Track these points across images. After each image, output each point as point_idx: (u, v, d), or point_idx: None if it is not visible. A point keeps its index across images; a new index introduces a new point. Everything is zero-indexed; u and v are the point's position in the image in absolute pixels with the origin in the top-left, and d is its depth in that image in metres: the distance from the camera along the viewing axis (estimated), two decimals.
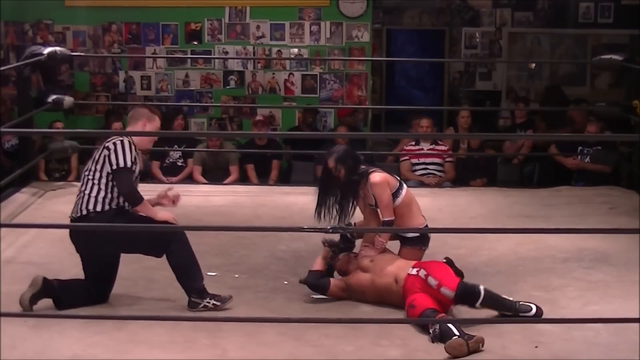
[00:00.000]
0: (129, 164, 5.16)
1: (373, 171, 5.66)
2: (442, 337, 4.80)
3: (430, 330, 4.87)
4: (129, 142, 5.22)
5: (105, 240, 5.18)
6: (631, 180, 8.80)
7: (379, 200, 5.61)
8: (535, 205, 7.87)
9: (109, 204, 5.20)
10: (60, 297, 5.23)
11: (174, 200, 5.51)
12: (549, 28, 12.33)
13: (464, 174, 9.39)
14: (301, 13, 11.02)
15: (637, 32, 10.97)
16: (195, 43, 11.10)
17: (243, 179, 9.68)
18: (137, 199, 5.21)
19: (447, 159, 9.30)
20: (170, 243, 5.16)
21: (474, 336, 4.71)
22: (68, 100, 8.39)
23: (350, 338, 4.87)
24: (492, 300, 5.09)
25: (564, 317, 5.16)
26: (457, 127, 10.08)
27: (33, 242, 6.48)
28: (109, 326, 4.92)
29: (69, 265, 5.83)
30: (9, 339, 4.59)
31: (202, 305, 5.21)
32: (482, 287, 5.09)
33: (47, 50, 8.10)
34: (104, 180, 5.20)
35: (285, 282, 5.90)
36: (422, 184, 9.01)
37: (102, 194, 5.19)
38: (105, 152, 5.20)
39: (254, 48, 11.07)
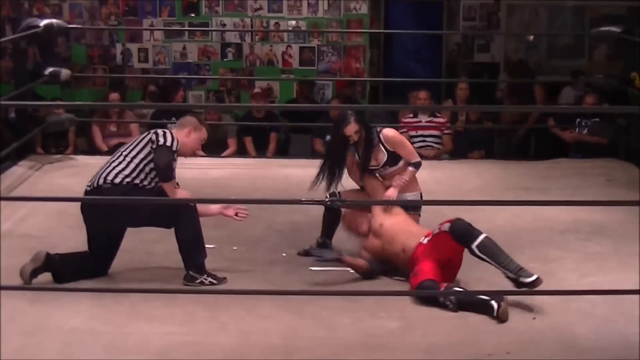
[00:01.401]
0: (174, 146, 5.28)
1: (382, 127, 5.77)
2: (463, 305, 4.85)
3: (448, 303, 4.88)
4: (177, 137, 5.34)
5: (116, 213, 5.22)
6: (629, 153, 8.80)
7: (402, 146, 5.73)
8: (532, 178, 7.88)
9: (127, 179, 5.23)
10: (60, 271, 5.25)
11: (237, 214, 5.55)
12: (547, 0, 12.28)
13: (462, 146, 9.39)
14: None
15: (635, 4, 10.93)
16: (193, 15, 11.05)
17: (241, 152, 9.67)
18: (170, 175, 5.28)
19: (445, 132, 9.30)
20: (181, 215, 5.21)
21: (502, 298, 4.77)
22: (65, 73, 8.36)
23: (349, 310, 4.89)
24: (492, 249, 5.02)
25: (561, 289, 5.18)
26: (455, 100, 10.07)
27: (31, 215, 6.49)
28: (107, 299, 4.94)
29: (66, 238, 5.85)
30: (7, 312, 4.60)
31: (198, 280, 5.24)
32: (484, 234, 5.05)
33: (44, 22, 8.06)
34: (137, 159, 5.27)
35: (284, 255, 5.92)
36: (420, 157, 9.00)
37: (127, 170, 5.24)
38: (153, 136, 5.30)
39: (251, 20, 11.03)
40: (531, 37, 12.55)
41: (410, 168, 5.76)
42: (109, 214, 5.23)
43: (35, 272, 5.15)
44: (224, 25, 11.00)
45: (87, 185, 5.36)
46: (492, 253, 5.04)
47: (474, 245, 5.03)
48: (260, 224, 6.46)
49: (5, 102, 6.90)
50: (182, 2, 11.02)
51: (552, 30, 12.46)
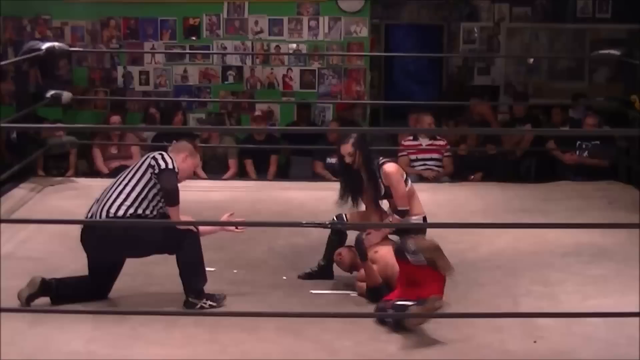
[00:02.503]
0: (175, 168, 5.26)
1: (385, 161, 5.70)
2: (397, 322, 4.87)
3: (387, 320, 4.93)
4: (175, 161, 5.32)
5: (119, 245, 5.21)
6: (629, 175, 8.80)
7: (394, 189, 5.63)
8: (533, 200, 7.88)
9: (130, 210, 5.19)
10: (58, 294, 5.23)
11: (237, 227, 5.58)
12: (547, 23, 12.32)
13: (462, 168, 9.39)
14: (300, 8, 11.02)
15: (635, 27, 10.98)
16: (194, 38, 11.09)
17: (242, 174, 9.68)
18: (177, 199, 5.25)
19: (446, 154, 9.30)
20: (184, 240, 5.19)
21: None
22: (66, 95, 8.38)
23: (349, 333, 4.87)
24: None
25: (563, 312, 5.16)
26: (459, 123, 10.09)
27: (32, 237, 6.48)
28: (107, 322, 4.93)
29: (67, 260, 5.84)
30: (7, 335, 4.59)
31: (198, 306, 5.22)
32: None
33: (46, 45, 8.09)
34: (138, 187, 5.22)
35: (284, 278, 5.91)
36: (420, 178, 9.02)
37: (128, 200, 5.20)
38: (152, 161, 5.26)
39: (252, 43, 11.06)
40: (531, 60, 12.59)
41: (395, 216, 5.68)
42: (111, 246, 5.21)
43: (31, 297, 5.15)
44: (225, 48, 11.04)
45: (88, 215, 5.34)
46: None
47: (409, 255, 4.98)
48: (261, 246, 6.46)
49: (6, 125, 6.90)
50: (183, 25, 11.06)
51: (552, 53, 12.50)
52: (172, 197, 5.24)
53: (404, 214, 5.67)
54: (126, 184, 5.26)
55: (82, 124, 10.57)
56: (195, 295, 5.24)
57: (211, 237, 6.29)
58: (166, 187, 5.22)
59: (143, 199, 5.22)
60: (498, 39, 12.34)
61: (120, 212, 5.18)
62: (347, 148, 5.60)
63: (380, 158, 5.76)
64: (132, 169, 5.35)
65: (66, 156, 9.43)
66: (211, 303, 5.25)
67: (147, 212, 5.24)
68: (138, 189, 5.23)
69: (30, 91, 8.52)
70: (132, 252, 5.34)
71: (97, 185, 7.46)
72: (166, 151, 5.44)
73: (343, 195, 5.76)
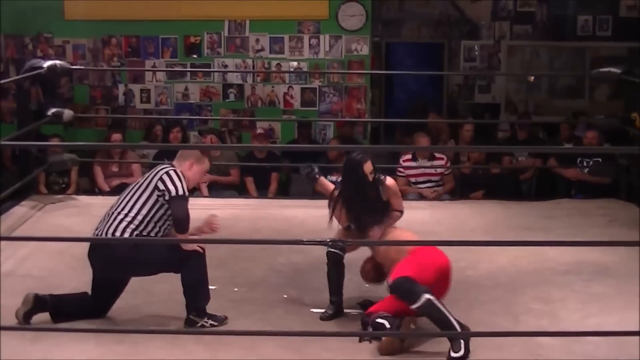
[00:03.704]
0: (186, 192, 5.24)
1: (385, 176, 5.73)
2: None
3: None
4: (181, 174, 5.29)
5: (125, 265, 5.22)
6: (630, 193, 8.80)
7: (397, 198, 5.68)
8: (534, 218, 7.87)
9: (136, 232, 5.19)
10: (57, 311, 5.23)
11: (213, 229, 5.58)
12: (547, 41, 12.36)
13: (463, 186, 9.39)
14: (300, 26, 11.05)
15: (635, 45, 11.00)
16: (195, 56, 11.12)
17: (242, 192, 9.69)
18: (187, 227, 5.26)
19: (446, 172, 9.28)
20: (188, 259, 5.20)
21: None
22: (67, 113, 8.39)
23: (350, 351, 4.87)
24: (434, 312, 4.89)
25: (564, 330, 5.15)
26: (459, 141, 10.08)
27: (32, 255, 6.47)
28: (108, 339, 4.92)
29: (68, 278, 5.84)
30: (7, 353, 4.58)
31: (199, 324, 5.22)
32: (427, 295, 4.88)
33: (47, 63, 8.10)
34: (144, 210, 5.21)
35: (285, 296, 5.89)
36: (420, 197, 9.02)
37: (135, 222, 5.19)
38: (159, 183, 5.22)
39: (253, 61, 11.10)
40: (532, 78, 12.62)
41: (397, 213, 5.70)
42: (117, 265, 5.21)
43: (28, 314, 5.15)
44: (226, 66, 11.07)
45: (95, 233, 5.32)
46: (431, 316, 4.94)
47: (414, 307, 4.91)
48: (262, 264, 6.45)
49: (6, 143, 6.91)
50: (184, 43, 11.10)
51: (553, 71, 12.53)
52: (183, 226, 5.24)
53: (401, 214, 5.71)
54: (133, 205, 5.24)
55: (83, 142, 10.59)
56: (196, 314, 5.25)
57: (211, 255, 6.29)
58: (177, 216, 5.20)
59: (149, 222, 5.22)
60: (499, 57, 12.38)
61: (127, 234, 5.18)
62: (369, 166, 5.57)
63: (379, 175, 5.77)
64: (138, 187, 5.31)
65: (68, 172, 9.45)
66: (212, 322, 5.26)
67: (153, 233, 5.24)
68: (144, 211, 5.22)
69: (32, 109, 8.53)
70: (137, 271, 5.34)
71: (98, 203, 7.50)
72: (172, 163, 5.41)
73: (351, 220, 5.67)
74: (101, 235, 5.24)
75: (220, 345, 4.85)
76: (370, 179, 5.57)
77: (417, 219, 7.73)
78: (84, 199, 8.45)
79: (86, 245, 5.35)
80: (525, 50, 12.47)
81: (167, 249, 5.26)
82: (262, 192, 9.69)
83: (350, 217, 5.62)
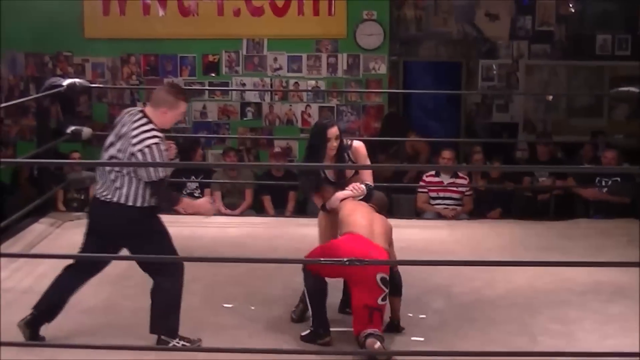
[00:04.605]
0: (161, 174, 5.00)
1: (354, 139, 5.88)
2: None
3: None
4: (156, 141, 5.03)
5: (130, 235, 5.01)
6: None
7: (364, 172, 5.76)
8: (552, 237, 7.84)
9: (145, 202, 5.02)
10: (50, 310, 5.16)
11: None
12: (566, 60, 12.33)
13: (480, 205, 9.37)
14: (318, 45, 11.10)
15: None
16: (213, 75, 11.18)
17: (259, 210, 9.70)
18: (175, 202, 5.14)
19: (467, 193, 9.26)
20: (170, 265, 4.95)
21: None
22: (86, 131, 8.43)
23: None
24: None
25: (581, 351, 5.12)
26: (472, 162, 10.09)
27: (50, 272, 6.47)
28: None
29: (85, 295, 5.84)
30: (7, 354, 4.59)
31: (171, 344, 5.00)
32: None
33: (67, 81, 8.15)
34: (129, 177, 5.09)
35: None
36: (439, 216, 9.00)
37: (132, 190, 5.06)
38: (133, 158, 5.04)
39: (271, 80, 11.15)
40: (550, 97, 12.58)
41: (362, 186, 5.71)
42: (123, 231, 5.03)
43: (27, 326, 5.08)
44: (244, 84, 11.12)
45: (101, 194, 5.24)
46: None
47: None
48: (278, 283, 6.45)
49: (26, 160, 6.95)
50: (203, 62, 11.16)
51: (571, 90, 12.50)
52: (170, 205, 5.14)
53: (370, 188, 5.72)
54: (120, 170, 5.14)
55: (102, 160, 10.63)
56: (167, 334, 5.01)
57: (228, 273, 6.32)
58: (161, 201, 5.05)
59: (136, 198, 5.04)
60: (517, 76, 12.35)
61: (139, 203, 5.00)
62: (335, 130, 5.65)
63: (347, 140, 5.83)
64: (117, 150, 5.27)
65: (86, 191, 9.49)
66: (184, 343, 5.01)
67: (145, 204, 5.03)
68: (129, 177, 5.08)
69: (51, 127, 8.59)
70: (137, 245, 5.05)
71: None
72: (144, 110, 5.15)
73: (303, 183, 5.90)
74: (107, 196, 5.11)
75: None
76: (335, 144, 5.64)
77: (436, 238, 7.75)
78: None
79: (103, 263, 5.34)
80: (544, 70, 12.45)
81: (162, 244, 5.03)
82: (280, 210, 9.70)
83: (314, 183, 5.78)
